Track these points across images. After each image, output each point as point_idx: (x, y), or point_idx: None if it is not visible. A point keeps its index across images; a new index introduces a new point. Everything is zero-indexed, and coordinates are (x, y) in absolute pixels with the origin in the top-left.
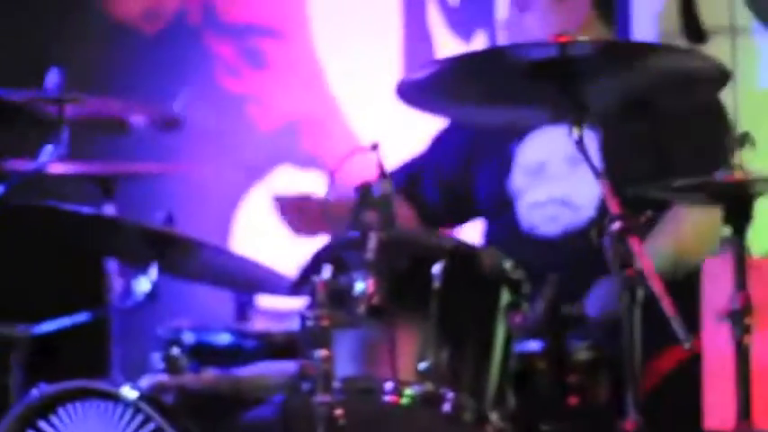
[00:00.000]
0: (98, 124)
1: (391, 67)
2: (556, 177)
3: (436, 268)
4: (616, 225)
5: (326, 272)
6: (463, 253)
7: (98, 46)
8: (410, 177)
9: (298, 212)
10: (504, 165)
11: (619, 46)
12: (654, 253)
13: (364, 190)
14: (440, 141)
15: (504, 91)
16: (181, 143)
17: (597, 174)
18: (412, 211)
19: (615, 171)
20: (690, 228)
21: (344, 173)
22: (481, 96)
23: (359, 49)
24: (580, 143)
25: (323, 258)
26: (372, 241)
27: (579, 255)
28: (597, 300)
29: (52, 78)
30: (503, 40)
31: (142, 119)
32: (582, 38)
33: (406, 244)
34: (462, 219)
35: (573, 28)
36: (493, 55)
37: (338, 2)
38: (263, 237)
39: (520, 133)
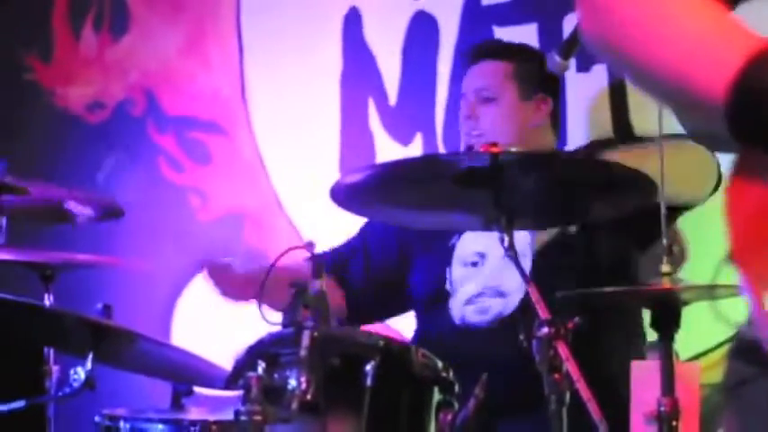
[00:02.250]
0: (39, 212)
1: (331, 165)
2: (493, 269)
3: (368, 366)
4: (544, 330)
5: (260, 367)
6: (395, 351)
7: (42, 135)
8: (338, 262)
9: (223, 277)
10: (444, 257)
11: (548, 156)
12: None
13: (299, 288)
14: (371, 228)
15: (437, 197)
16: (122, 232)
17: (526, 279)
18: (341, 293)
19: (547, 272)
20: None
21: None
22: (415, 201)
23: (299, 145)
24: (510, 249)
25: (257, 354)
26: (306, 338)
27: (509, 342)
28: None
29: None
30: (463, 133)
31: (84, 207)
32: (513, 148)
33: (340, 342)
34: (390, 310)
35: (533, 127)
36: (426, 162)
37: (277, 100)
38: (203, 329)
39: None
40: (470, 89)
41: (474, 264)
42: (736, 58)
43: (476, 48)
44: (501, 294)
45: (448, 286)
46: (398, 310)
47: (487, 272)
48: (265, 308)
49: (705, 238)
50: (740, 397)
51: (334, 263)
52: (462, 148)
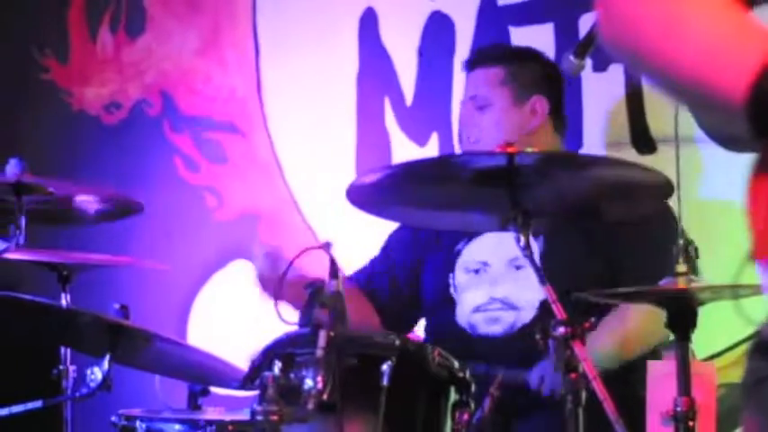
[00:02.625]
0: (57, 212)
1: (347, 165)
2: (497, 278)
3: (385, 366)
4: (560, 330)
5: (276, 367)
6: (412, 351)
7: (59, 136)
8: (368, 278)
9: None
10: (449, 262)
11: (564, 157)
12: (597, 349)
13: (316, 288)
14: (394, 244)
15: (452, 197)
16: (138, 232)
17: (542, 280)
18: (372, 310)
19: (561, 276)
20: (635, 324)
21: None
22: (431, 201)
23: (315, 145)
24: (526, 249)
25: (273, 353)
26: (322, 338)
27: (520, 354)
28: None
29: (12, 168)
30: (458, 135)
31: (102, 204)
32: (529, 149)
33: (356, 341)
34: (411, 321)
35: (528, 132)
36: (442, 162)
37: (293, 100)
38: (219, 329)
39: (470, 235)
40: (466, 97)
41: (476, 271)
42: (756, 57)
43: (472, 55)
44: (513, 307)
45: (452, 292)
46: (416, 320)
47: (489, 280)
48: (282, 307)
49: (727, 236)
50: (759, 395)
51: (365, 279)
52: None
